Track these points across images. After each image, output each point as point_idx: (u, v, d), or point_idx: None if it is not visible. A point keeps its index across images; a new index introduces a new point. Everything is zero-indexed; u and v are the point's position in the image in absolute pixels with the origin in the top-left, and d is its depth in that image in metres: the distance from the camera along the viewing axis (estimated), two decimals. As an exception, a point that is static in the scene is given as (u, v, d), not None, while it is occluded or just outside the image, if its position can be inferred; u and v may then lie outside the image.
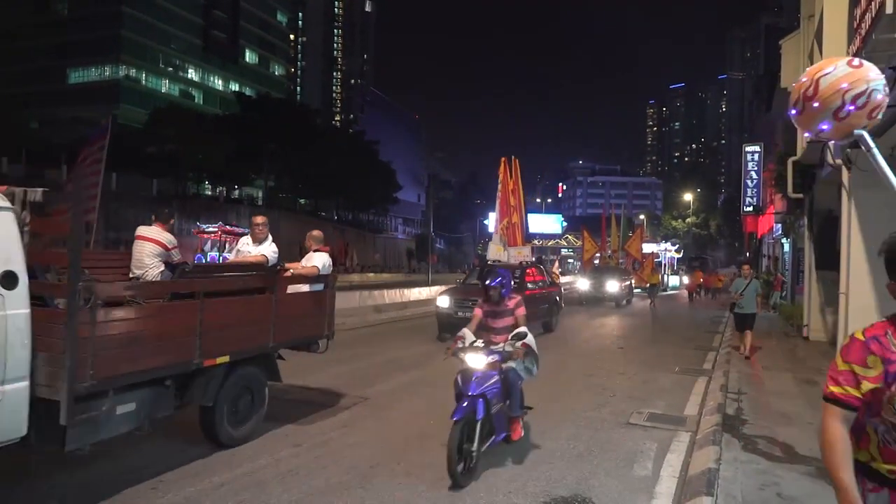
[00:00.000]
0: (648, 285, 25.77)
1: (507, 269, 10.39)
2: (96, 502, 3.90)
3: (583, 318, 17.94)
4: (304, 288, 6.03)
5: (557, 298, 14.51)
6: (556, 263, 24.72)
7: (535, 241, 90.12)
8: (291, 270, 6.25)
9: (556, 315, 14.14)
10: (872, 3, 5.79)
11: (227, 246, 36.35)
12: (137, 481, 4.20)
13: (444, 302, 12.14)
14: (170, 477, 4.32)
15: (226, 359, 4.78)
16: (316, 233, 6.54)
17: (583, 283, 24.79)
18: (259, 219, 6.09)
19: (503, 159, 16.20)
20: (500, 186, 16.11)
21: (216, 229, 36.89)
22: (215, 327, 4.66)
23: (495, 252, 15.48)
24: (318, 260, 6.22)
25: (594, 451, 5.25)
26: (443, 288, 14.69)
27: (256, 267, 5.74)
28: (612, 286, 23.45)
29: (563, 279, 35.19)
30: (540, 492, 4.30)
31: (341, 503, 4.01)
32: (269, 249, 5.92)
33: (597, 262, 31.18)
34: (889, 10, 5.32)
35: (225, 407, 4.92)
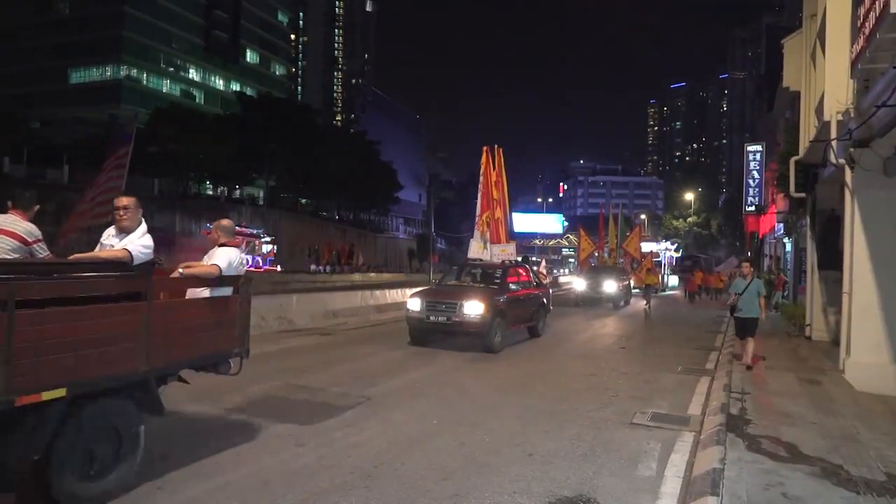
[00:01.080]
0: (644, 286, 24.16)
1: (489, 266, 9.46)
2: (101, 502, 3.89)
3: (576, 321, 16.97)
4: (204, 293, 4.72)
5: (545, 301, 13.27)
6: (543, 263, 22.41)
7: (537, 241, 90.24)
8: (180, 270, 4.80)
9: (542, 319, 13.00)
10: (876, 3, 5.78)
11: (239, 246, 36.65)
12: (143, 481, 4.20)
13: (414, 305, 10.83)
14: (175, 476, 4.32)
15: (61, 393, 3.44)
16: (225, 223, 5.24)
17: (579, 284, 23.85)
18: (123, 201, 4.48)
19: (485, 148, 14.68)
20: (481, 178, 14.61)
21: None
22: (38, 349, 3.32)
23: (476, 250, 14.08)
24: (222, 257, 4.86)
25: (598, 451, 5.25)
26: (414, 290, 13.18)
27: (115, 265, 4.19)
28: (610, 286, 22.51)
29: (563, 279, 34.63)
30: (545, 492, 4.30)
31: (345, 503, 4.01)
32: (136, 242, 4.34)
33: (593, 261, 30.43)
34: (893, 9, 5.30)
35: (67, 458, 3.58)
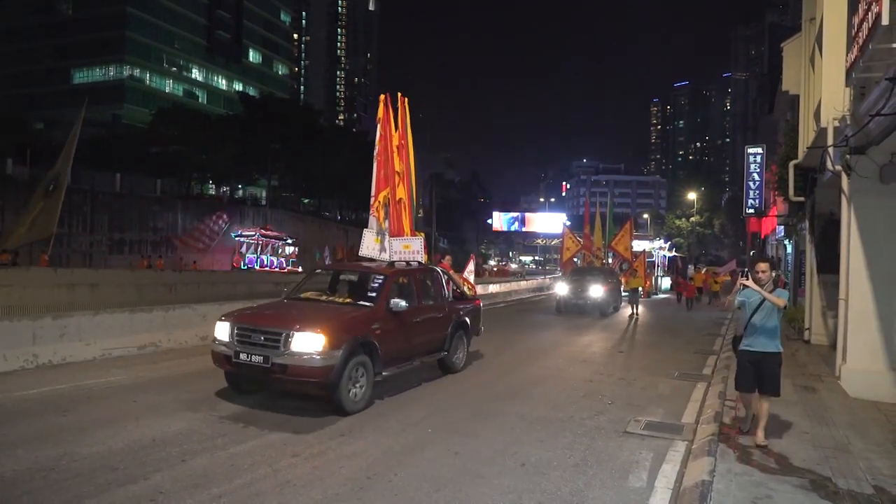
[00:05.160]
0: (630, 289, 20.48)
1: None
2: (96, 515, 3.95)
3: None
4: None
5: (467, 320, 9.54)
6: (471, 263, 15.00)
7: (540, 241, 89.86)
8: None
9: (461, 347, 9.33)
10: (869, 14, 5.79)
11: (261, 248, 38.15)
12: (136, 492, 4.26)
13: (222, 332, 6.90)
14: (168, 487, 4.37)
15: None
16: None
17: (561, 288, 20.77)
18: None
19: (383, 97, 10.02)
20: (378, 143, 9.83)
21: (254, 232, 38.84)
22: None
23: (371, 245, 9.78)
24: None
25: (590, 461, 5.29)
26: (233, 306, 9.35)
27: None
28: (596, 291, 19.56)
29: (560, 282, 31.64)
30: (535, 503, 4.35)
31: (337, 516, 4.06)
32: None
33: (577, 261, 28.04)
34: (885, 21, 5.32)
35: None
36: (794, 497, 4.28)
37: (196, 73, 77.11)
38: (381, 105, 9.93)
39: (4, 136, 36.73)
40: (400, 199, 9.81)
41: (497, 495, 4.46)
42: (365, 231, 10.02)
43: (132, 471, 4.66)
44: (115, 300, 16.85)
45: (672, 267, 39.39)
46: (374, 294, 7.94)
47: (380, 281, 8.14)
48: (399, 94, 10.16)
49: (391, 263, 8.95)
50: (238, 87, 78.02)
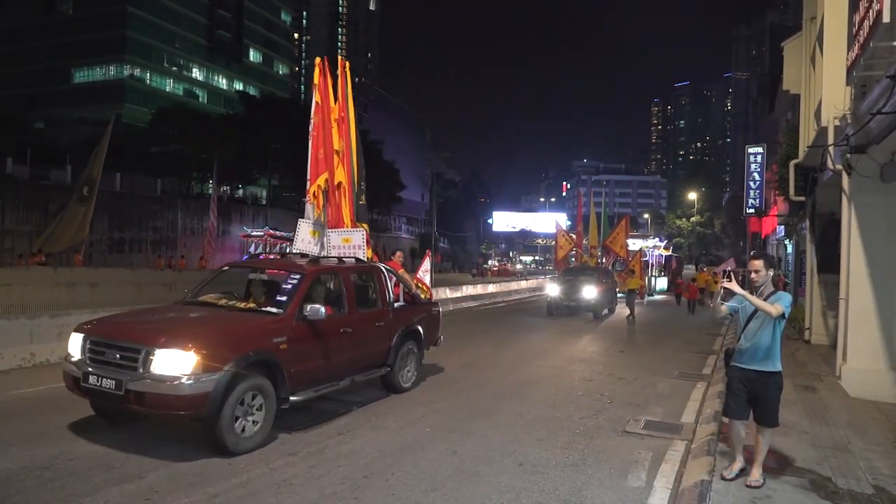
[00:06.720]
0: (627, 291, 19.82)
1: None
2: (91, 514, 3.92)
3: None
4: None
5: (419, 329, 8.09)
6: (426, 261, 11.28)
7: (540, 241, 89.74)
8: None
9: (411, 361, 7.91)
10: (870, 11, 5.77)
11: (269, 248, 38.33)
12: (131, 491, 4.24)
13: (74, 347, 5.59)
14: (164, 486, 4.35)
15: None
16: None
17: (552, 289, 19.58)
18: None
19: (319, 60, 8.59)
20: (314, 112, 8.39)
21: (262, 233, 38.98)
22: None
23: (307, 238, 8.46)
24: None
25: (588, 460, 5.26)
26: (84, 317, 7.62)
27: None
28: (589, 292, 18.38)
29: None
30: (533, 503, 4.32)
31: (334, 515, 4.03)
32: None
33: (572, 260, 27.29)
34: (886, 18, 5.29)
35: None
36: (794, 497, 4.25)
37: (196, 73, 77.15)
38: (317, 70, 8.40)
39: (4, 136, 36.72)
40: (339, 182, 8.25)
41: (495, 494, 4.43)
42: (300, 222, 8.50)
43: (128, 469, 4.64)
44: (114, 299, 16.80)
45: (667, 267, 38.83)
46: (284, 298, 6.18)
47: (294, 281, 6.33)
48: (339, 59, 8.74)
49: (315, 259, 7.32)
50: (238, 86, 78.05)
